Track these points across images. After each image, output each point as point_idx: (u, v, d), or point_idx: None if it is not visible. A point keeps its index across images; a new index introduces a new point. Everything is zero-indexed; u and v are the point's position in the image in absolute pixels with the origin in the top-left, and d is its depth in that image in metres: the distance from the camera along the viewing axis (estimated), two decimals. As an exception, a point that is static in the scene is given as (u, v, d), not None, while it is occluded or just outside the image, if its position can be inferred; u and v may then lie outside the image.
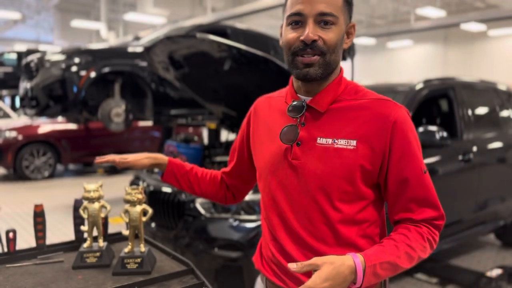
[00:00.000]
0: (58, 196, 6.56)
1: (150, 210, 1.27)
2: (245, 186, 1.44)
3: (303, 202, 1.11)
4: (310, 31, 1.04)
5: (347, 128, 1.08)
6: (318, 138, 1.10)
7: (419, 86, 3.40)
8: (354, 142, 1.06)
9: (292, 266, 0.92)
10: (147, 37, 6.37)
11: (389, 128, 1.06)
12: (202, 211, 2.76)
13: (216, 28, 6.34)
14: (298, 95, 1.16)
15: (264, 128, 1.24)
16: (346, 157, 1.06)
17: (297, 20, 1.07)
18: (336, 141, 1.08)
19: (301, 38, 1.05)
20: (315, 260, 0.93)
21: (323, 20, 1.05)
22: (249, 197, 2.69)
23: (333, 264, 0.92)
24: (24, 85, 5.80)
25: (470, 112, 3.68)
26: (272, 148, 1.17)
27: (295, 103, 1.14)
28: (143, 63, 5.55)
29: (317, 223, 1.10)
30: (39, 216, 1.36)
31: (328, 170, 1.07)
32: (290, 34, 1.08)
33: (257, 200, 2.66)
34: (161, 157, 1.41)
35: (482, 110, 3.93)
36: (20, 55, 11.41)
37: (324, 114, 1.12)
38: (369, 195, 1.10)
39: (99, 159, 1.36)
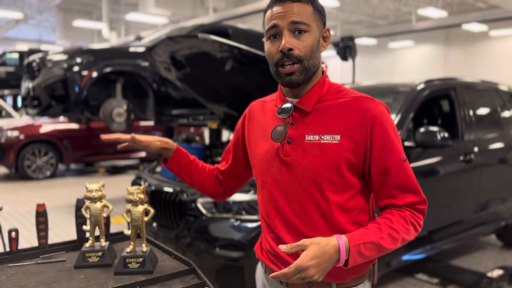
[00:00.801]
0: (60, 195, 6.57)
1: (151, 210, 1.27)
2: (237, 184, 1.53)
3: (297, 195, 1.21)
4: (286, 41, 1.15)
5: (332, 124, 1.19)
6: (306, 136, 1.20)
7: (421, 86, 3.40)
8: (338, 137, 1.17)
9: (282, 247, 1.02)
10: (149, 37, 6.38)
11: (368, 122, 1.16)
12: (203, 211, 2.76)
13: (217, 28, 6.34)
14: (287, 98, 1.27)
15: (258, 129, 1.34)
16: (331, 150, 1.17)
17: (274, 34, 1.19)
18: (322, 137, 1.18)
19: (280, 48, 1.16)
20: (303, 241, 1.04)
21: (297, 29, 1.16)
22: (250, 197, 2.69)
23: (319, 244, 1.03)
24: (26, 84, 5.81)
25: (471, 112, 3.67)
26: (265, 147, 1.28)
27: (283, 105, 1.25)
28: (145, 63, 5.55)
29: (311, 213, 1.19)
30: (41, 216, 1.37)
31: (316, 163, 1.17)
32: (270, 47, 1.20)
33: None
34: (171, 143, 1.46)
35: (483, 111, 3.93)
36: (22, 55, 11.44)
37: (310, 114, 1.22)
38: (356, 184, 1.20)
39: (105, 137, 1.43)
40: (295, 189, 1.21)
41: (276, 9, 1.18)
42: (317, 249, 1.02)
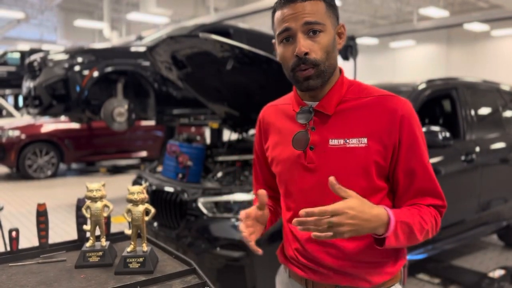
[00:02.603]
0: (61, 195, 6.57)
1: (152, 210, 1.27)
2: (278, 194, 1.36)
3: (324, 203, 1.08)
4: (301, 44, 1.08)
5: (357, 127, 1.12)
6: (330, 140, 1.13)
7: (422, 86, 3.40)
8: (365, 140, 1.11)
9: (334, 181, 0.99)
10: (150, 37, 6.38)
11: (397, 122, 1.10)
12: (204, 210, 2.76)
13: (218, 28, 6.35)
14: (304, 101, 1.20)
15: (276, 136, 1.26)
16: (359, 155, 1.10)
17: (287, 36, 1.12)
18: (347, 140, 1.12)
19: (295, 53, 1.09)
20: (351, 192, 1.00)
21: (311, 30, 1.09)
22: (250, 197, 2.69)
23: (364, 203, 1.00)
24: (27, 84, 5.82)
25: (473, 112, 3.66)
26: (286, 154, 1.21)
27: (302, 109, 1.18)
28: (146, 63, 5.55)
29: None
30: (41, 215, 1.36)
31: (343, 169, 1.11)
32: (284, 51, 1.14)
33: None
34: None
35: (485, 111, 3.92)
36: (24, 55, 11.45)
37: (332, 116, 1.15)
38: (383, 187, 1.15)
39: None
40: (321, 197, 1.12)
41: (287, 9, 1.11)
42: (359, 204, 0.98)
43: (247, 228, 1.17)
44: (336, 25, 1.16)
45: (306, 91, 1.16)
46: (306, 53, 1.09)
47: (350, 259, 1.15)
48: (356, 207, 0.97)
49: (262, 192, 1.17)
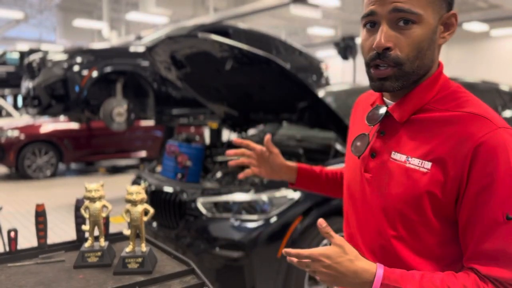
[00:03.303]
0: (60, 195, 6.57)
1: (151, 210, 1.26)
2: None
3: (370, 222, 0.98)
4: (382, 37, 0.87)
5: (425, 145, 0.90)
6: (393, 153, 0.94)
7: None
8: (428, 165, 0.88)
9: (322, 224, 0.87)
10: (149, 37, 6.38)
11: (470, 151, 0.84)
12: (203, 210, 2.76)
13: (218, 28, 6.35)
14: (384, 98, 1.02)
15: (353, 127, 1.14)
16: (415, 180, 0.89)
17: (371, 21, 0.91)
18: (409, 159, 0.91)
19: (373, 46, 0.90)
20: (340, 239, 0.87)
21: (401, 19, 0.87)
22: (250, 197, 2.69)
23: (346, 253, 0.86)
24: (26, 84, 5.82)
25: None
26: (350, 156, 1.08)
27: (375, 109, 1.00)
28: (145, 63, 5.55)
29: (380, 250, 0.97)
30: (40, 216, 1.36)
31: (393, 191, 0.92)
32: (364, 39, 0.94)
33: (258, 200, 2.66)
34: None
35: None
36: (23, 55, 11.44)
37: (404, 125, 0.95)
38: (442, 232, 0.90)
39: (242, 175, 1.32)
40: (367, 215, 0.98)
41: None
42: (338, 254, 0.85)
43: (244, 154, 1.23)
44: (442, 14, 0.91)
45: (379, 92, 0.98)
46: (387, 48, 0.88)
47: None
48: (333, 257, 0.84)
49: (267, 136, 1.14)
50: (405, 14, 0.86)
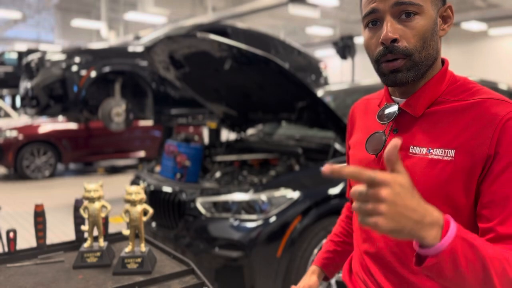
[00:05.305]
0: (59, 195, 6.56)
1: (150, 210, 1.26)
2: None
3: None
4: (388, 29, 0.89)
5: (445, 134, 0.90)
6: (411, 147, 0.94)
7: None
8: (452, 152, 0.87)
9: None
10: (148, 37, 6.38)
11: (497, 130, 0.84)
12: (202, 210, 2.76)
13: (216, 28, 6.35)
14: (393, 97, 1.02)
15: (359, 133, 1.12)
16: (441, 170, 0.88)
17: (373, 19, 0.93)
18: (431, 150, 0.90)
19: (380, 40, 0.91)
20: (404, 170, 0.68)
21: (404, 11, 0.90)
22: (249, 196, 2.69)
23: (415, 188, 0.69)
24: (25, 84, 5.81)
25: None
26: (362, 155, 1.05)
27: (386, 108, 1.01)
28: (144, 63, 5.55)
29: (405, 247, 0.93)
30: (39, 216, 1.36)
31: (419, 186, 0.84)
32: (368, 38, 0.95)
33: (257, 200, 2.66)
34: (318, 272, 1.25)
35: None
36: (21, 55, 11.44)
37: (419, 119, 0.95)
38: (470, 213, 0.89)
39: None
40: None
41: None
42: (409, 184, 0.67)
43: None
44: (439, 6, 0.94)
45: (393, 86, 0.97)
46: (395, 40, 0.89)
47: None
48: (405, 185, 0.67)
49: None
50: (407, 6, 0.89)
